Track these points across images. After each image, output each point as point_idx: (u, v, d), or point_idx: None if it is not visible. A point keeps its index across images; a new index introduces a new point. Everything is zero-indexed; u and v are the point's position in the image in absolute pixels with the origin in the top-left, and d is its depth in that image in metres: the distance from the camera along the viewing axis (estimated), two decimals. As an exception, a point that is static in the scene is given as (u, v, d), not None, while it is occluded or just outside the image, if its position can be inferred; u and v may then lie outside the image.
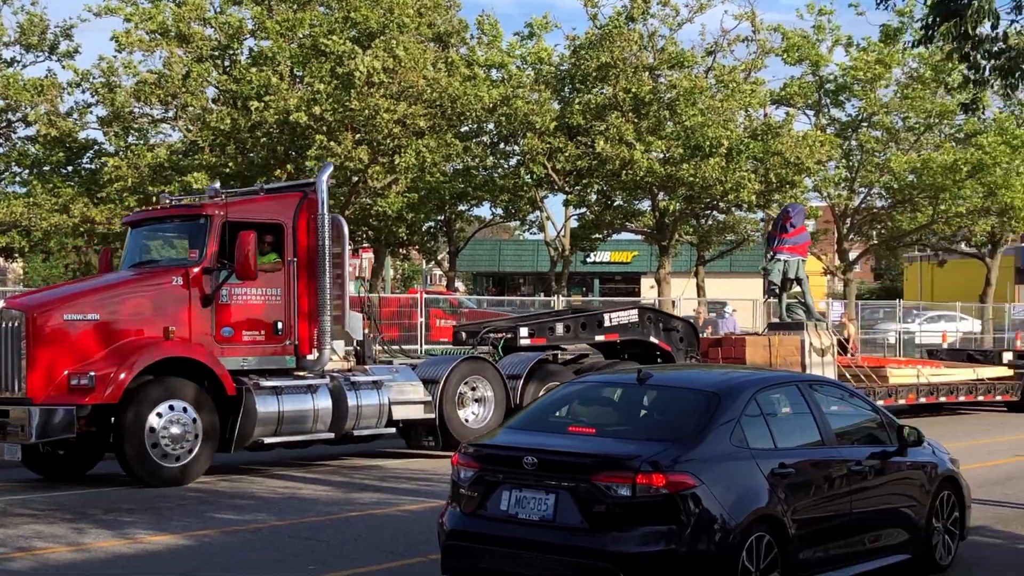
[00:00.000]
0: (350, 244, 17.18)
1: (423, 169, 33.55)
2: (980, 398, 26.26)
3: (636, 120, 33.36)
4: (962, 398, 25.84)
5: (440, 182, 34.77)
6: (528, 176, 35.66)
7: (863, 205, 42.72)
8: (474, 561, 8.49)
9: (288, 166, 32.40)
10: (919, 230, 43.15)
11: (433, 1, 37.85)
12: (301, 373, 15.94)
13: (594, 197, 36.27)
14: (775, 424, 9.02)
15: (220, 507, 12.94)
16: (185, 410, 14.53)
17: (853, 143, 40.50)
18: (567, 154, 33.90)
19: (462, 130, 36.64)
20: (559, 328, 19.71)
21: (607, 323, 20.29)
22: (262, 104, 30.74)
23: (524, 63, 37.39)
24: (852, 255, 44.27)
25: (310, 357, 15.89)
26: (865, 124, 40.26)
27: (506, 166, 38.13)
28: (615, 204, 37.38)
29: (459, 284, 57.26)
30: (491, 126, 36.77)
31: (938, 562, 10.20)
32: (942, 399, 25.28)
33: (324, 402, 15.73)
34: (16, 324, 14.16)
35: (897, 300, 47.40)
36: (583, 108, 33.97)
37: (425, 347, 28.08)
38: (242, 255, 14.71)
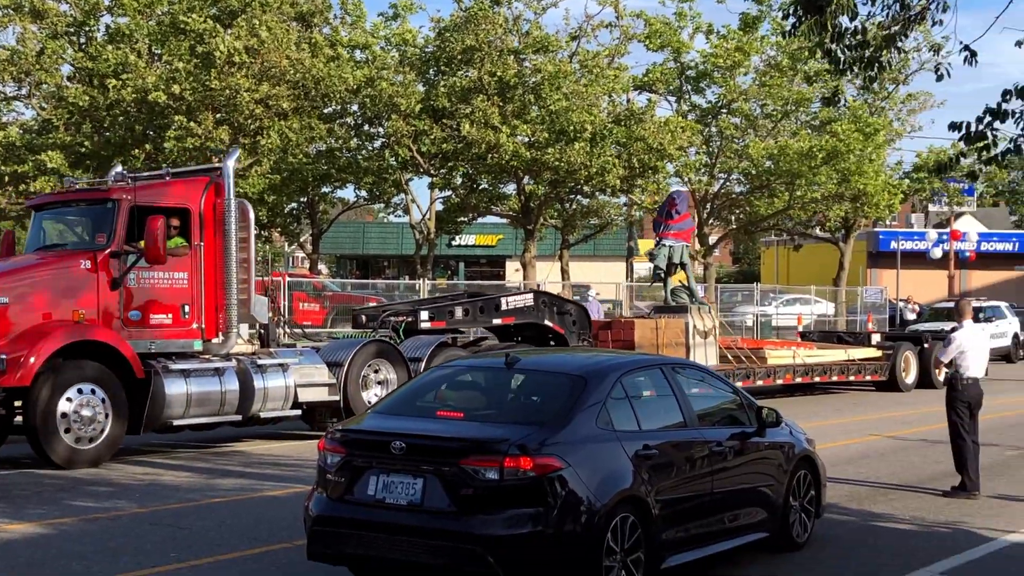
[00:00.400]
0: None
1: (286, 151, 33.19)
2: (851, 378, 27.39)
3: (501, 104, 33.46)
4: (835, 378, 26.95)
5: (303, 164, 34.45)
6: (393, 158, 35.51)
7: (722, 190, 43.52)
8: (341, 546, 8.44)
9: (147, 146, 31.74)
10: (776, 215, 44.14)
11: (296, -21, 37.47)
12: (207, 356, 15.96)
13: (459, 180, 36.32)
14: (640, 406, 9.16)
15: (78, 494, 12.65)
16: (95, 392, 14.57)
17: (713, 129, 41.19)
18: (432, 137, 33.85)
19: (326, 112, 36.32)
20: (458, 312, 20.14)
21: (504, 307, 20.73)
22: (119, 82, 30.06)
23: (388, 44, 37.16)
24: (712, 239, 45.08)
25: (216, 340, 15.99)
26: (725, 111, 40.97)
27: (370, 148, 37.90)
28: (480, 187, 37.47)
29: (322, 267, 56.78)
30: (355, 108, 36.50)
31: (795, 540, 10.47)
32: (816, 379, 26.31)
33: (231, 384, 15.80)
34: None
35: (755, 284, 48.47)
36: (448, 91, 33.93)
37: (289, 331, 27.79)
38: (152, 239, 14.70)
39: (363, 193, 41.85)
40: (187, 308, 15.69)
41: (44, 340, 14.20)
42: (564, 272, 41.08)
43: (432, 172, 36.32)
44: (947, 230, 60.98)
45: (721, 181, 42.98)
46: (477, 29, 33.37)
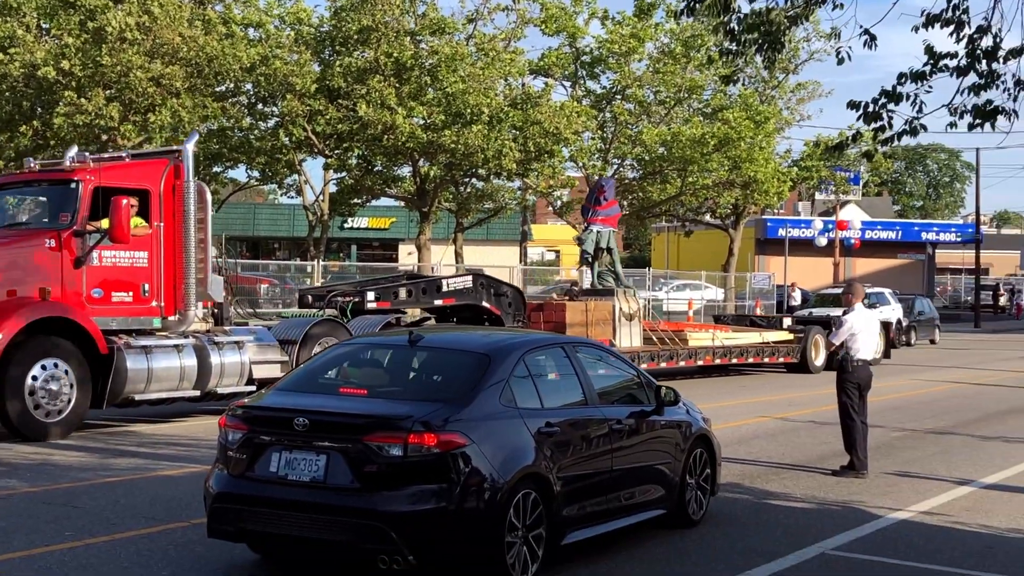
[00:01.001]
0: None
1: (176, 129, 32.66)
2: (766, 360, 28.19)
3: (398, 85, 33.33)
4: (751, 360, 27.67)
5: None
6: (287, 138, 35.14)
7: (616, 176, 43.81)
8: (242, 523, 8.37)
9: (35, 122, 30.98)
10: (668, 201, 44.65)
11: (189, -44, 36.83)
12: (166, 333, 16.45)
13: (354, 162, 36.05)
14: (542, 384, 9.23)
15: (-34, 476, 12.36)
16: (56, 366, 14.97)
17: (607, 115, 41.45)
18: (328, 117, 33.58)
19: (219, 90, 35.80)
20: (402, 293, 20.98)
21: (445, 288, 21.65)
22: (7, 56, 29.27)
23: (283, 23, 36.71)
24: (605, 224, 45.38)
25: (174, 318, 16.49)
26: (619, 96, 41.25)
27: (264, 128, 37.45)
28: (375, 169, 37.27)
29: (211, 248, 56.05)
30: (249, 87, 36.02)
31: (691, 517, 10.65)
32: (734, 360, 27.05)
33: (190, 360, 16.30)
34: None
35: (647, 268, 49.04)
36: (344, 71, 33.69)
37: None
38: (116, 220, 15.07)
39: (255, 173, 41.34)
40: (147, 287, 16.17)
41: (12, 316, 14.53)
42: (458, 255, 41.10)
43: (327, 153, 36.03)
44: (833, 218, 62.32)
45: (615, 166, 43.28)
46: (374, 9, 33.15)
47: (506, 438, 8.48)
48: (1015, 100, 8.19)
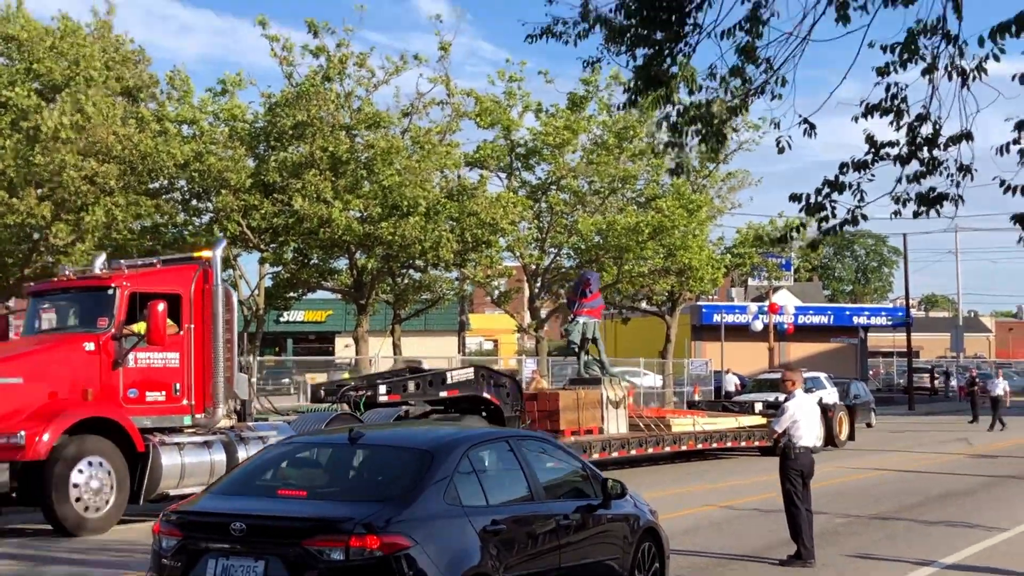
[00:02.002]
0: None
1: (110, 227, 32.35)
2: (743, 444, 29.11)
3: (334, 178, 33.27)
4: (729, 444, 28.62)
5: (127, 240, 33.55)
6: (221, 233, 34.85)
7: (553, 265, 43.96)
8: (178, 636, 8.08)
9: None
10: (605, 289, 44.71)
11: (121, 55, 36.71)
12: (195, 430, 17.36)
13: (290, 255, 35.84)
14: (487, 480, 9.07)
15: None
16: (102, 465, 15.84)
17: (543, 205, 41.64)
18: (263, 211, 33.38)
19: (152, 187, 35.55)
20: (411, 386, 21.84)
21: (449, 380, 22.47)
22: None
23: (217, 120, 36.61)
24: (543, 313, 45.43)
25: (203, 416, 17.45)
26: (554, 187, 41.49)
27: (198, 223, 37.15)
28: (312, 262, 37.05)
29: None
30: (183, 183, 35.78)
31: (640, 613, 10.45)
32: (714, 445, 28.00)
33: (219, 456, 17.16)
34: None
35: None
36: (279, 165, 33.57)
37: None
38: (153, 324, 16.22)
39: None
40: (178, 386, 17.18)
41: (59, 417, 15.52)
42: (396, 347, 40.84)
43: (262, 247, 35.78)
44: (766, 303, 62.85)
45: (552, 255, 43.40)
46: (309, 105, 33.18)
47: (451, 538, 8.29)
48: (958, 186, 8.26)
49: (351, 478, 8.99)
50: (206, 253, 18.15)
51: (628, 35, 8.50)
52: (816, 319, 70.72)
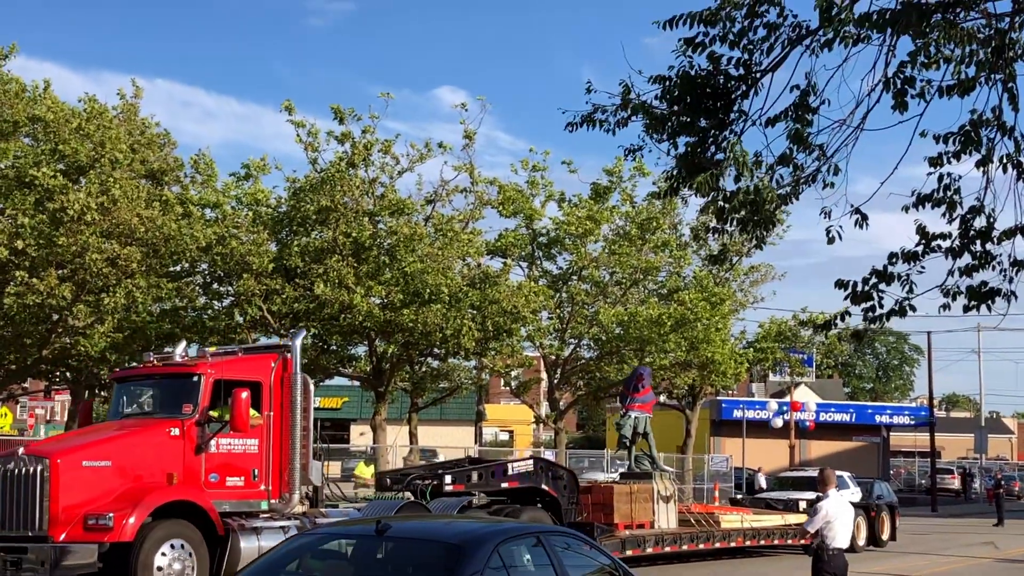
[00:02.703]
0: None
1: (128, 309, 32.29)
2: (789, 541, 29.00)
3: (356, 264, 33.16)
4: (776, 541, 28.84)
5: (146, 322, 33.46)
6: (241, 317, 34.72)
7: (573, 355, 43.67)
8: None
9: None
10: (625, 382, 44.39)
11: (147, 138, 36.95)
12: (272, 515, 17.91)
13: (310, 341, 35.61)
14: (518, 577, 8.72)
15: None
16: (183, 547, 16.33)
17: (564, 295, 41.47)
18: (284, 296, 33.25)
19: (173, 269, 35.54)
20: (474, 476, 22.22)
21: (510, 471, 22.89)
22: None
23: (240, 204, 36.67)
24: (562, 404, 45.03)
25: (279, 501, 18.03)
26: (575, 277, 41.36)
27: (218, 307, 37.06)
28: (331, 348, 36.83)
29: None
30: (204, 266, 35.75)
31: None
32: (762, 542, 28.17)
33: None
34: (40, 468, 15.86)
35: (604, 450, 48.56)
36: (302, 250, 33.52)
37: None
38: (237, 411, 16.90)
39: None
40: (257, 472, 17.81)
41: (145, 500, 16.11)
42: (412, 435, 40.45)
43: (282, 332, 35.59)
44: (787, 400, 62.32)
45: (572, 346, 43.13)
46: (332, 190, 33.18)
47: (481, 637, 7.95)
48: (1011, 281, 8.02)
49: (378, 571, 8.66)
50: (286, 343, 18.90)
51: (670, 123, 8.35)
52: (838, 416, 70.06)
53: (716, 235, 8.92)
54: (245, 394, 16.99)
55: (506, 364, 41.12)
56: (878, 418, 72.05)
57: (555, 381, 43.13)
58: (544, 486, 23.15)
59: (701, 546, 26.35)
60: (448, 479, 21.67)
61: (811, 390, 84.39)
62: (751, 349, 46.86)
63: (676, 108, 8.22)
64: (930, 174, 8.07)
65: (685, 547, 25.92)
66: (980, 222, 8.10)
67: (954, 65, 7.66)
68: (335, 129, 34.89)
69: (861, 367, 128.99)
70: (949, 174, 8.07)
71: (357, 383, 42.66)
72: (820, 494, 14.26)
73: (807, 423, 61.70)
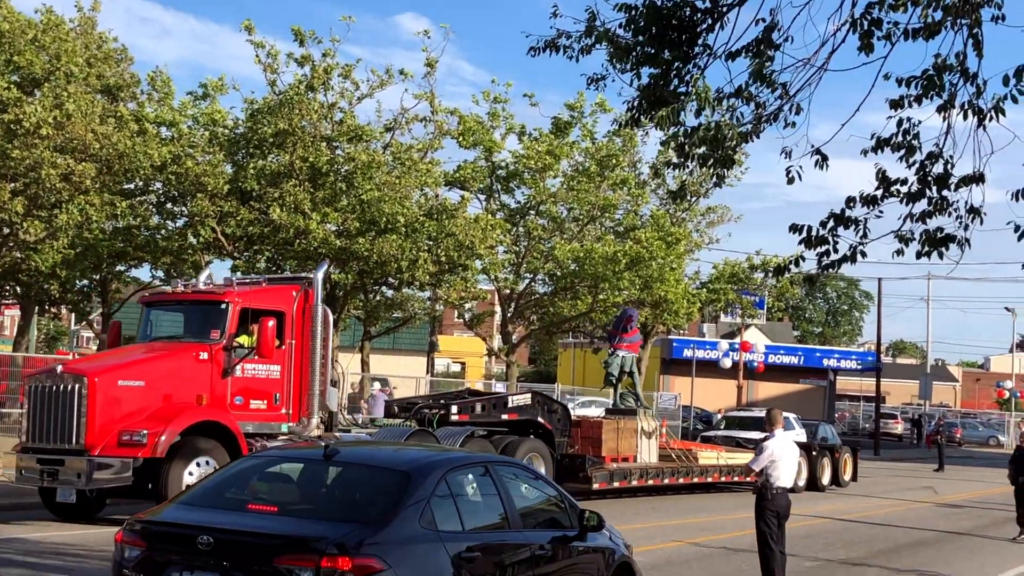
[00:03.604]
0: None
1: (81, 226, 31.87)
2: (735, 479, 29.70)
3: (312, 190, 32.88)
4: (749, 478, 28.77)
5: (99, 240, 33.07)
6: (195, 239, 34.39)
7: (527, 290, 43.69)
8: (135, 649, 7.75)
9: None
10: (578, 317, 44.53)
11: (103, 53, 36.30)
12: (287, 436, 18.55)
13: (264, 265, 35.36)
14: (464, 505, 8.77)
15: None
16: (209, 464, 17.04)
17: (521, 229, 41.39)
18: (239, 219, 32.95)
19: (127, 188, 35.09)
20: (478, 407, 23.49)
21: (510, 404, 24.18)
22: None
23: (196, 123, 36.20)
24: (515, 338, 45.11)
25: (299, 424, 18.79)
26: (533, 211, 41.26)
27: (171, 227, 36.67)
28: (285, 273, 36.60)
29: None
30: (159, 185, 35.32)
31: (611, 648, 10.17)
32: (735, 478, 29.11)
33: None
34: (78, 386, 16.70)
35: (555, 384, 48.79)
36: (258, 173, 33.16)
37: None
38: (263, 338, 17.87)
39: (160, 273, 40.38)
40: (278, 396, 18.70)
41: (177, 418, 16.98)
42: (365, 364, 40.41)
43: (235, 255, 35.34)
44: (737, 341, 62.75)
45: (526, 281, 43.13)
46: (291, 113, 32.78)
47: (425, 563, 7.99)
48: (966, 229, 8.04)
49: (324, 496, 8.66)
50: (308, 275, 19.84)
51: (635, 53, 8.27)
52: (786, 359, 70.74)
53: (676, 170, 8.89)
54: (272, 323, 17.94)
55: (460, 296, 41.08)
56: (826, 362, 72.83)
57: (508, 315, 43.15)
58: (540, 419, 24.21)
59: (681, 480, 27.51)
60: (454, 409, 22.82)
61: (761, 332, 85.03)
62: (704, 290, 47.03)
63: (641, 38, 8.15)
64: (890, 117, 8.06)
65: (667, 480, 27.13)
66: (938, 168, 8.11)
67: (921, 8, 7.63)
68: (295, 51, 34.47)
69: (811, 311, 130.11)
70: (909, 119, 8.07)
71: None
72: (767, 434, 14.38)
73: (756, 364, 62.18)
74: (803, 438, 39.46)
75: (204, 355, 17.85)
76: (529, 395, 25.22)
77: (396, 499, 8.17)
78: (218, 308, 18.37)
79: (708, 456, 29.11)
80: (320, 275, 19.45)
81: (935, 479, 41.98)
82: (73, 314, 47.14)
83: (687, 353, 61.72)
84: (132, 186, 35.36)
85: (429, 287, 34.88)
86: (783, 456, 13.95)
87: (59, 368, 17.33)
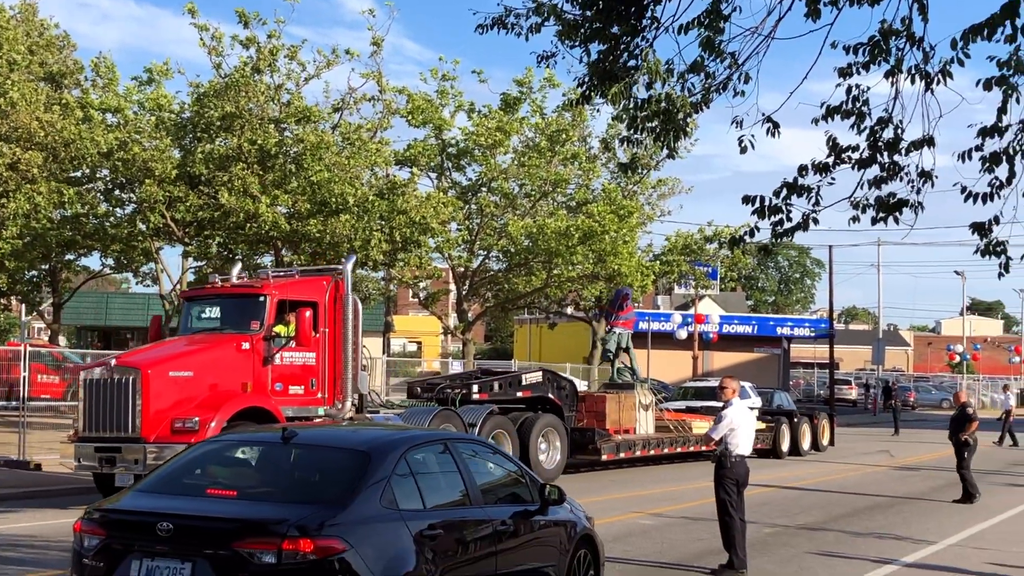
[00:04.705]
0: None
1: (29, 216, 31.49)
2: (691, 448, 30.16)
3: (261, 172, 32.61)
4: (707, 447, 30.04)
5: (47, 229, 32.70)
6: (144, 225, 34.06)
7: (481, 267, 43.65)
8: (98, 640, 7.70)
9: None
10: (533, 293, 44.57)
11: (45, 40, 35.85)
12: (323, 419, 19.44)
13: (215, 250, 35.10)
14: (424, 483, 8.77)
15: None
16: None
17: (473, 206, 41.30)
18: (188, 204, 32.65)
19: (74, 175, 34.68)
20: (496, 386, 24.60)
21: (524, 382, 25.27)
22: None
23: (142, 109, 35.79)
24: (470, 316, 45.07)
25: (333, 408, 19.83)
26: (484, 188, 41.18)
27: (120, 214, 36.30)
28: (236, 258, 36.32)
29: (61, 339, 54.06)
30: (106, 172, 34.92)
31: (574, 621, 10.23)
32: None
33: None
34: (132, 378, 17.67)
35: (512, 360, 48.84)
36: (206, 157, 32.85)
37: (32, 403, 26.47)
38: (301, 327, 18.93)
39: (110, 261, 40.01)
40: (314, 381, 19.67)
41: (225, 405, 17.91)
42: (320, 346, 40.20)
43: (186, 241, 35.04)
44: (691, 312, 63.11)
45: (480, 258, 43.08)
46: (237, 96, 32.46)
47: (387, 542, 8.00)
48: (918, 192, 8.09)
49: (284, 479, 8.62)
50: (337, 267, 20.97)
51: (583, 29, 8.25)
52: (740, 329, 71.20)
53: (628, 145, 8.87)
54: (309, 313, 19.03)
55: (415, 275, 40.98)
56: (779, 330, 73.37)
57: (463, 293, 43.11)
58: (550, 395, 25.39)
59: (679, 449, 28.82)
60: (475, 388, 24.10)
61: (715, 303, 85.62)
62: (657, 262, 47.16)
63: (589, 13, 8.13)
64: (839, 85, 8.09)
65: (666, 450, 28.42)
66: (888, 133, 8.15)
67: (868, -27, 7.65)
68: (240, 33, 34.11)
69: (764, 280, 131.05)
70: (858, 85, 8.09)
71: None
72: (724, 402, 14.47)
73: (710, 335, 62.61)
74: (759, 405, 39.94)
75: (246, 345, 18.83)
76: (540, 373, 26.30)
77: (356, 479, 8.15)
78: (256, 300, 19.39)
79: (700, 426, 29.73)
80: (349, 267, 20.57)
81: (891, 443, 42.47)
82: (23, 305, 46.60)
83: (642, 326, 61.76)
84: (79, 174, 34.97)
85: (383, 267, 34.69)
86: (741, 424, 14.05)
87: (113, 361, 18.28)
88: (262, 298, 19.38)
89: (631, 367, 30.73)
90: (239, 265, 22.20)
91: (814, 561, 14.72)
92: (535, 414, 24.58)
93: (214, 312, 20.22)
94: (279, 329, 19.12)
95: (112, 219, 35.89)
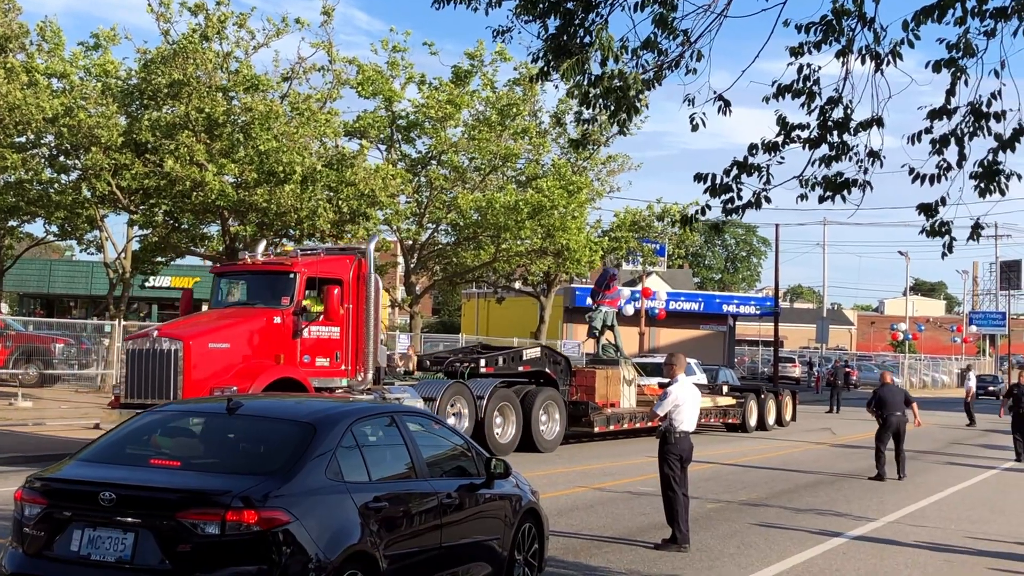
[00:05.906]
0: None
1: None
2: (717, 421, 33.58)
3: (208, 141, 32.30)
4: (712, 421, 33.19)
5: (-10, 195, 32.25)
6: (89, 192, 33.66)
7: (430, 240, 43.56)
8: (38, 609, 7.64)
9: None
10: (482, 267, 44.56)
11: (-11, 3, 35.21)
12: (345, 389, 20.40)
13: (161, 218, 34.74)
14: (370, 456, 8.76)
15: None
16: None
17: (423, 179, 41.16)
18: (134, 171, 32.28)
19: (18, 140, 34.16)
20: (500, 360, 25.94)
21: (525, 357, 26.53)
22: None
23: (89, 75, 35.31)
24: (418, 289, 45.01)
25: (356, 379, 20.76)
26: (435, 161, 41.04)
27: (65, 181, 35.84)
28: (182, 227, 36.01)
29: (3, 306, 53.37)
30: (51, 138, 34.43)
31: (518, 594, 10.29)
32: (702, 421, 29.70)
33: None
34: (175, 348, 18.67)
35: (460, 334, 48.82)
36: (152, 125, 32.47)
37: None
38: (330, 303, 19.99)
39: (54, 228, 39.51)
40: (339, 354, 20.60)
41: (262, 376, 18.83)
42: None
43: (131, 209, 34.65)
44: (638, 288, 63.32)
45: (429, 231, 42.98)
46: (185, 64, 32.10)
47: (332, 514, 7.98)
48: (866, 172, 8.14)
49: (229, 449, 8.57)
50: (360, 246, 21.85)
51: (541, 4, 8.21)
52: (687, 305, 71.57)
53: (581, 123, 8.87)
54: (337, 290, 20.02)
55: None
56: (725, 308, 73.88)
57: (411, 265, 43.02)
58: (547, 370, 26.63)
59: (651, 424, 29.13)
60: (483, 362, 25.40)
61: (662, 279, 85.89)
62: (606, 238, 47.26)
63: (545, -14, 8.09)
64: (790, 64, 8.12)
65: (651, 424, 27.96)
66: (838, 113, 8.20)
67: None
68: (188, 0, 33.68)
69: (710, 258, 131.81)
70: (809, 65, 8.14)
71: (210, 263, 41.89)
72: (670, 379, 14.54)
73: (657, 311, 62.79)
74: (704, 382, 40.29)
75: (278, 319, 19.74)
76: (539, 349, 27.61)
77: (301, 451, 8.12)
78: (287, 278, 20.28)
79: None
80: (372, 246, 21.41)
81: (833, 420, 42.93)
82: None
83: (589, 301, 62.04)
84: (24, 139, 34.43)
85: (330, 238, 34.44)
86: (686, 400, 14.13)
87: (155, 332, 19.24)
88: (292, 275, 20.30)
89: (616, 344, 31.83)
90: (263, 243, 23.40)
91: (756, 536, 14.86)
92: (536, 387, 25.87)
93: (243, 287, 21.32)
94: (308, 304, 20.05)
95: (57, 186, 35.46)
